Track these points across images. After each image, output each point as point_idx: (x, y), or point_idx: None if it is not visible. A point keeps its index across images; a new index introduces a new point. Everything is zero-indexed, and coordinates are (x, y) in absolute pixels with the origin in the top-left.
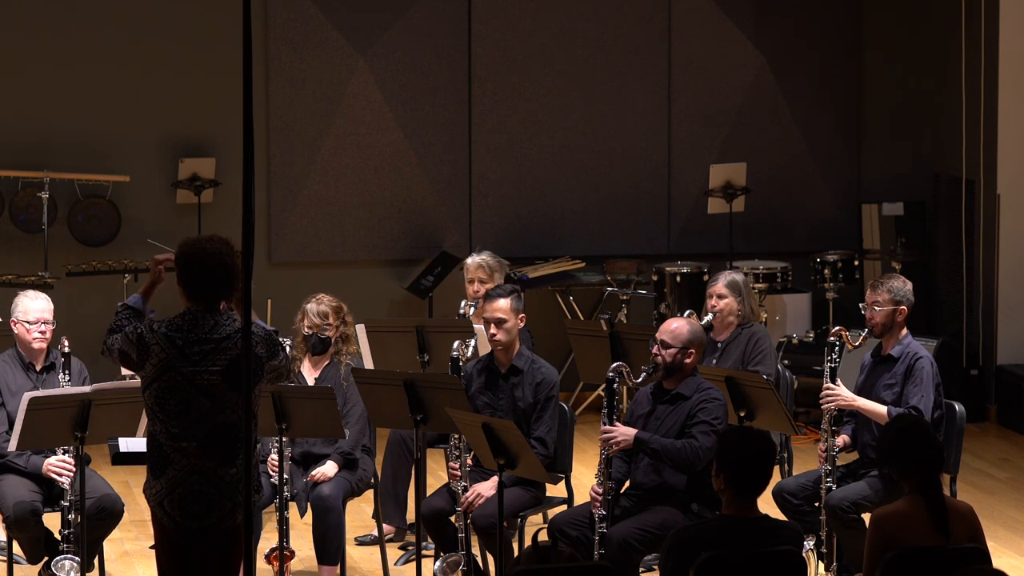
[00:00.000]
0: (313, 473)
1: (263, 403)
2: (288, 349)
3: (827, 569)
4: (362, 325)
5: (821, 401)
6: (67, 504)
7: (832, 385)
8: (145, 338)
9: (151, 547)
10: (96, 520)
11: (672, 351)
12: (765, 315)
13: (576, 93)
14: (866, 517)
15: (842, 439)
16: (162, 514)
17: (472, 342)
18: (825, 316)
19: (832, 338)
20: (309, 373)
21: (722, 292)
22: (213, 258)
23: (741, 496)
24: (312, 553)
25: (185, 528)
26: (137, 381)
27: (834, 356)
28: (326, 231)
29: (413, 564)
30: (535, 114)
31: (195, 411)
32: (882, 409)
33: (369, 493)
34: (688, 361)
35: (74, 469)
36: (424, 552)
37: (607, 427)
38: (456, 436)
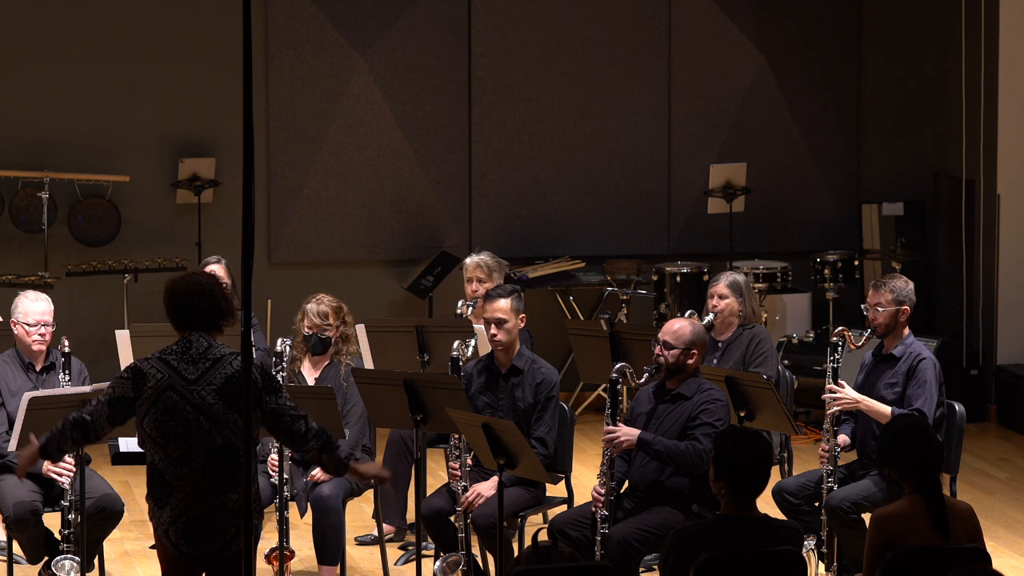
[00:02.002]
0: (313, 473)
1: None
2: (290, 349)
3: (827, 569)
4: (362, 325)
5: (825, 400)
6: (67, 504)
7: (836, 386)
8: (140, 367)
9: (151, 547)
10: (96, 520)
11: (675, 352)
12: (765, 315)
13: (576, 93)
14: (866, 517)
15: (841, 439)
16: (167, 543)
17: (472, 342)
18: (825, 316)
19: (835, 338)
20: (309, 373)
21: (723, 292)
22: (192, 288)
23: (740, 497)
24: (312, 553)
25: (190, 556)
26: None
27: (837, 356)
28: (326, 231)
29: (413, 564)
30: (535, 114)
31: (194, 432)
32: (886, 409)
33: (369, 493)
34: (691, 362)
35: (74, 469)
36: (424, 552)
37: (610, 427)
38: (456, 436)
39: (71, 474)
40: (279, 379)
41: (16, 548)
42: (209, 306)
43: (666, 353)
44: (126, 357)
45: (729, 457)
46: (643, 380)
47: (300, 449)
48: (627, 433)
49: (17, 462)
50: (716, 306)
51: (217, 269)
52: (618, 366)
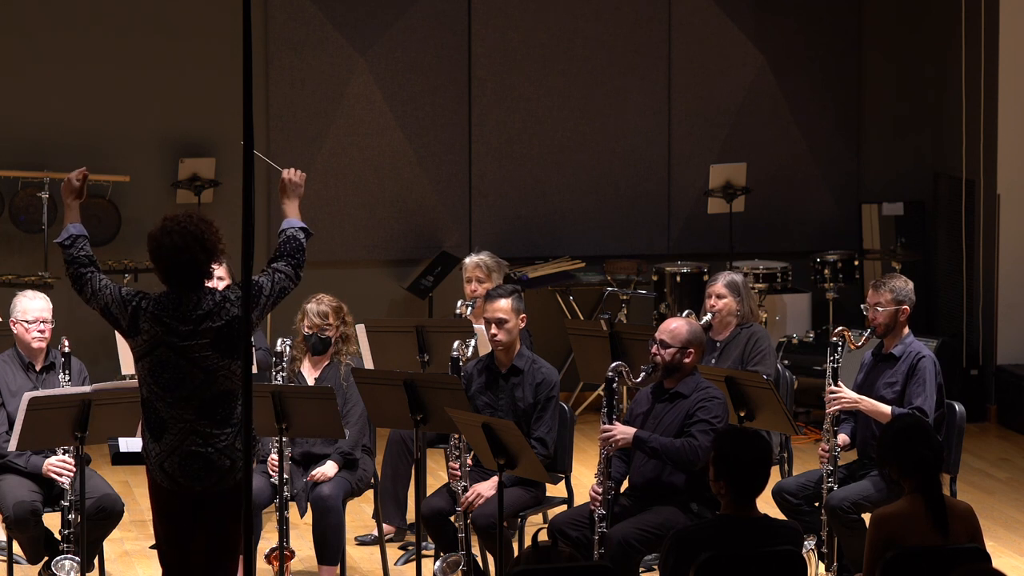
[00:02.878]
0: (313, 473)
1: (263, 403)
2: (289, 349)
3: (827, 569)
4: (362, 325)
5: (826, 402)
6: (67, 504)
7: (836, 387)
8: (138, 313)
9: (151, 547)
10: (96, 520)
11: (671, 351)
12: (765, 315)
13: (576, 93)
14: (866, 517)
15: (841, 438)
16: (163, 477)
17: (472, 342)
18: (825, 316)
19: (835, 338)
20: (309, 373)
21: (721, 292)
22: (170, 249)
23: (740, 497)
24: (312, 553)
25: (187, 490)
26: (136, 382)
27: (837, 357)
28: (326, 231)
29: (413, 564)
30: (535, 114)
31: (189, 384)
32: (886, 409)
33: (369, 493)
34: (687, 361)
35: (74, 469)
36: (424, 552)
37: (606, 426)
38: (456, 436)
39: (71, 474)
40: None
41: (16, 548)
42: (188, 264)
43: (663, 352)
44: (126, 357)
45: (729, 457)
46: (640, 380)
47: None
48: (623, 431)
49: (18, 463)
50: (714, 306)
51: (218, 269)
52: (613, 365)
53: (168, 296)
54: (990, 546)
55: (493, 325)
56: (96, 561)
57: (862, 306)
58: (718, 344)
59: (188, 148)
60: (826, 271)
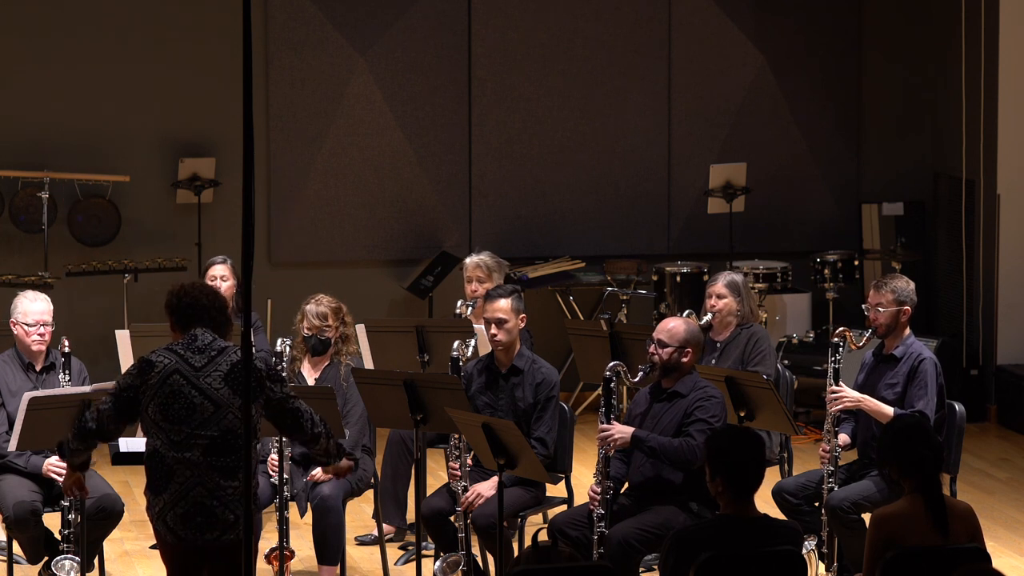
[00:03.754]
0: (313, 473)
1: None
2: (290, 349)
3: (827, 569)
4: (362, 325)
5: (828, 402)
6: (67, 504)
7: (837, 387)
8: (147, 357)
9: (151, 547)
10: (96, 520)
11: (668, 350)
12: (765, 315)
13: (576, 93)
14: (866, 517)
15: (841, 438)
16: (165, 530)
17: (472, 342)
18: (825, 316)
19: (836, 339)
20: (309, 374)
21: (721, 292)
22: (204, 289)
23: (738, 495)
24: (312, 553)
25: (189, 542)
26: None
27: (838, 357)
28: (326, 231)
29: (413, 564)
30: (535, 114)
31: (198, 415)
32: (888, 410)
33: (369, 493)
34: (685, 360)
35: None
36: (424, 552)
37: (605, 425)
38: (456, 436)
39: None
40: (282, 376)
41: (16, 548)
42: (219, 306)
43: (660, 352)
44: (126, 357)
45: (722, 454)
46: (638, 379)
47: (308, 446)
48: (621, 431)
49: (18, 463)
50: (714, 306)
51: (222, 269)
52: (611, 365)
53: (182, 339)
54: (990, 546)
55: (493, 325)
56: (96, 561)
57: (863, 306)
58: (718, 344)
59: (188, 148)
60: (826, 271)
